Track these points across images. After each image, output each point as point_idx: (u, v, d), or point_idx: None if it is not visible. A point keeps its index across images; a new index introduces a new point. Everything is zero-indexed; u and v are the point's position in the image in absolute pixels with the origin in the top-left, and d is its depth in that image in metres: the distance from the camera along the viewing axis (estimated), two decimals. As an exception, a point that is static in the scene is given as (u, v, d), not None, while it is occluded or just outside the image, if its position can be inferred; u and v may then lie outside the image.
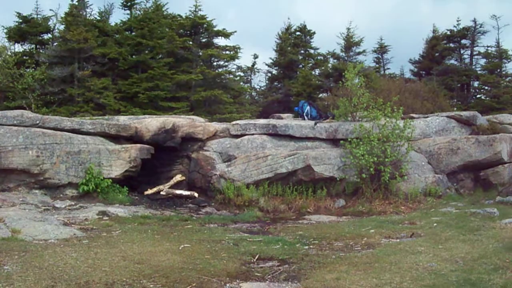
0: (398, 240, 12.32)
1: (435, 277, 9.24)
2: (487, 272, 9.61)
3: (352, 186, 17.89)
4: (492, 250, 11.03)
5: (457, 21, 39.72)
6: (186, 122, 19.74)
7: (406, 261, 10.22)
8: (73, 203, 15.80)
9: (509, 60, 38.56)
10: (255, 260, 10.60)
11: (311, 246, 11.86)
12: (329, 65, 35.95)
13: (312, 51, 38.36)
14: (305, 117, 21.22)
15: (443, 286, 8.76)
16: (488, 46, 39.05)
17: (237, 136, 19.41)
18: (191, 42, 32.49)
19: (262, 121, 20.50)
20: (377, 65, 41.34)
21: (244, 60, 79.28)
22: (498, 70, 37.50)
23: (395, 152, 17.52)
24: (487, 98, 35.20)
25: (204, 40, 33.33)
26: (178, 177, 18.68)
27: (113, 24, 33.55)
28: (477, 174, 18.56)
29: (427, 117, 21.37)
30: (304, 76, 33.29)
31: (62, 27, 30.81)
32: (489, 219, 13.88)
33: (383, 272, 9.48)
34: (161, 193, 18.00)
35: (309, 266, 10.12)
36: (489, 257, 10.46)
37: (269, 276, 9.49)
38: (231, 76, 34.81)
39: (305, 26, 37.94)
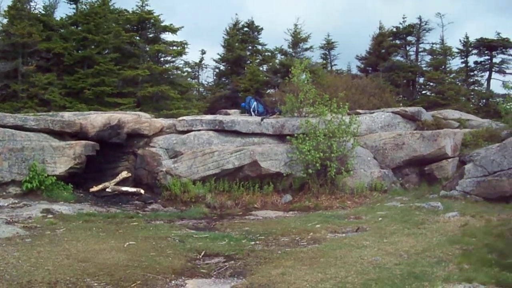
0: (343, 235, 12.45)
1: (379, 270, 9.35)
2: (430, 265, 9.76)
3: (298, 182, 17.95)
4: (435, 243, 11.21)
5: (403, 18, 40.30)
6: (132, 118, 19.51)
7: (351, 256, 10.32)
8: (16, 201, 15.40)
9: (453, 57, 39.38)
10: (201, 256, 10.59)
11: (258, 242, 11.88)
12: (277, 61, 36.02)
13: (259, 47, 38.32)
14: (252, 113, 21.20)
15: (388, 279, 8.86)
16: (433, 43, 39.86)
17: (183, 132, 19.29)
18: (138, 38, 32.10)
19: (208, 117, 20.43)
20: (324, 61, 41.59)
21: (192, 55, 78.86)
22: (443, 67, 38.18)
23: (341, 147, 17.66)
24: (432, 94, 35.82)
25: (151, 36, 32.98)
26: (124, 174, 18.47)
27: (58, 18, 32.82)
28: (422, 168, 18.80)
29: (373, 112, 21.60)
30: (251, 72, 33.27)
31: (5, 21, 30.02)
32: (433, 213, 14.10)
33: (328, 266, 9.56)
34: (107, 190, 17.74)
35: (255, 261, 10.14)
36: (432, 250, 10.64)
37: (215, 273, 9.48)
38: (179, 72, 34.57)
39: (253, 22, 37.89)
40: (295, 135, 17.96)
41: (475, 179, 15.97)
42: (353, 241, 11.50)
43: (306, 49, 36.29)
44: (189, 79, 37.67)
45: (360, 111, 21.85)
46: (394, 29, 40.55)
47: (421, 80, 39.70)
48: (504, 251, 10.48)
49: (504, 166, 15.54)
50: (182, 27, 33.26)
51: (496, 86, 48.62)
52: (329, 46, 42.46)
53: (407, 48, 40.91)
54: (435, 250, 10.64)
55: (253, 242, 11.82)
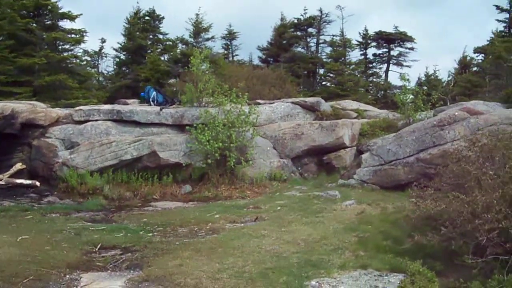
0: (242, 225, 12.47)
1: (277, 259, 9.41)
2: (327, 252, 9.87)
3: (198, 172, 17.75)
4: (332, 231, 11.35)
5: (304, 10, 40.70)
6: (26, 108, 18.74)
7: (250, 245, 10.34)
8: None
9: (352, 49, 40.17)
10: (97, 249, 10.35)
11: (155, 233, 11.74)
12: (178, 50, 35.60)
13: (161, 36, 37.78)
14: (152, 102, 20.87)
15: (285, 268, 8.92)
16: (333, 35, 40.49)
17: (80, 122, 18.72)
18: (34, 24, 30.81)
19: (106, 106, 19.91)
20: (226, 52, 41.48)
21: (92, 44, 76.94)
22: (342, 59, 38.86)
23: (240, 137, 17.57)
24: (332, 85, 36.35)
25: (48, 23, 31.75)
26: (19, 166, 17.71)
27: None
28: (321, 158, 19.02)
29: (273, 103, 21.65)
30: (152, 61, 32.71)
31: None
32: (331, 202, 14.31)
33: (226, 256, 9.56)
34: (0, 182, 16.98)
35: (152, 253, 10.02)
36: (329, 238, 10.77)
37: (111, 265, 9.31)
38: (77, 60, 33.51)
39: (154, 11, 37.27)
40: (195, 125, 17.73)
41: (372, 168, 16.30)
42: (251, 230, 11.51)
43: (208, 39, 36.03)
44: (88, 68, 36.61)
45: (261, 101, 21.85)
46: (296, 21, 40.92)
47: (322, 71, 40.34)
48: (399, 238, 10.74)
49: (400, 155, 15.94)
50: (81, 14, 32.21)
51: (394, 78, 50.06)
52: (230, 36, 42.35)
53: (308, 40, 41.46)
54: (332, 238, 10.79)
55: (151, 234, 11.66)
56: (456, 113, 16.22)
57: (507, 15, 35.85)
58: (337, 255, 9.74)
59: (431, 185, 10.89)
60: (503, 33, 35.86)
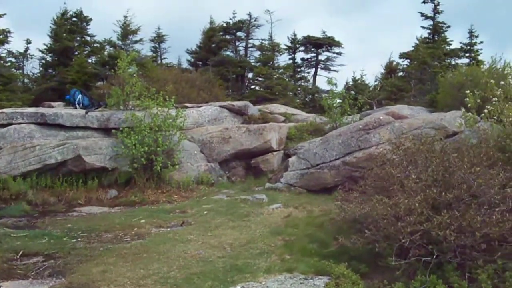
0: (168, 229, 12.36)
1: (202, 264, 9.37)
2: (253, 256, 9.87)
3: (124, 176, 17.45)
4: (259, 235, 11.36)
5: (233, 14, 40.71)
6: None
7: (175, 250, 10.26)
8: None
9: (281, 53, 40.42)
10: (18, 256, 10.07)
11: (80, 239, 11.48)
12: (106, 53, 35.04)
13: (88, 38, 37.07)
14: (77, 105, 20.38)
15: (210, 273, 8.89)
16: (262, 39, 40.64)
17: (3, 126, 18.08)
18: (-46, 24, 29.95)
19: (30, 109, 19.34)
20: (154, 55, 41.06)
21: (17, 45, 74.93)
22: (271, 63, 39.02)
23: (167, 141, 17.36)
24: (261, 89, 36.48)
25: (-31, 22, 30.92)
26: None
27: None
28: (249, 162, 19.02)
29: (201, 106, 21.58)
30: (79, 63, 32.05)
31: None
32: (258, 205, 14.32)
33: (151, 262, 9.46)
34: None
35: (75, 260, 9.80)
36: (255, 242, 10.77)
37: (33, 273, 9.08)
38: (1, 61, 32.63)
39: (81, 12, 36.55)
40: (121, 128, 17.42)
41: (299, 172, 16.41)
42: (177, 235, 11.42)
43: (136, 42, 35.64)
44: (13, 69, 35.62)
45: (188, 104, 21.73)
46: (225, 24, 40.91)
47: (250, 75, 40.41)
48: (324, 241, 10.82)
49: (326, 158, 16.10)
50: (5, 14, 31.38)
51: (322, 82, 50.70)
52: (159, 39, 41.94)
53: (237, 44, 41.54)
54: (258, 242, 10.80)
55: (74, 240, 11.41)
56: (381, 117, 16.51)
57: (431, 22, 36.80)
58: (263, 259, 9.75)
59: (356, 188, 11.03)
60: (427, 40, 36.78)
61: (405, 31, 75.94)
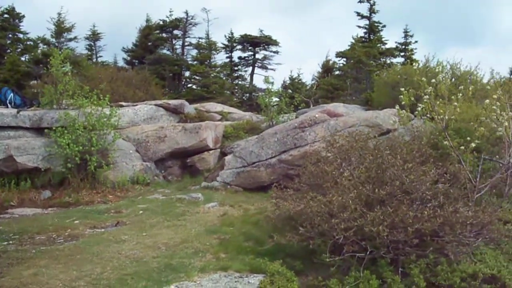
0: (103, 230, 12.19)
1: (137, 264, 9.30)
2: (188, 256, 9.85)
3: (58, 177, 17.06)
4: (194, 234, 11.34)
5: (170, 12, 40.29)
6: None
7: (109, 251, 10.15)
8: None
9: (218, 51, 40.26)
10: None
11: (11, 242, 11.19)
12: (39, 51, 34.25)
13: (21, 35, 36.19)
14: (9, 105, 19.86)
15: (144, 273, 8.84)
16: (199, 38, 40.37)
17: None
18: None
19: (-42, 109, 18.80)
20: (89, 53, 40.37)
21: None
22: (208, 61, 38.80)
23: (101, 140, 17.06)
24: (198, 88, 36.24)
25: None
26: None
27: None
28: (185, 161, 18.86)
29: (136, 105, 21.31)
30: (11, 61, 31.21)
31: None
32: (194, 204, 14.26)
33: (84, 263, 9.35)
34: None
35: (6, 263, 9.56)
36: (191, 242, 10.75)
37: (-40, 278, 8.75)
38: None
39: (14, 8, 35.63)
40: (54, 128, 17.04)
41: (235, 170, 16.39)
42: (111, 236, 11.29)
43: (71, 39, 35.04)
44: None
45: (124, 103, 21.43)
46: (161, 22, 40.49)
47: (187, 73, 40.13)
48: (260, 239, 10.86)
49: (262, 157, 16.12)
50: None
51: (259, 80, 50.91)
52: (94, 37, 41.19)
53: (174, 42, 41.13)
54: (194, 241, 10.78)
55: (6, 242, 11.11)
56: (317, 115, 16.63)
57: (368, 22, 37.30)
58: (198, 258, 9.74)
59: (291, 186, 11.07)
60: (363, 39, 37.25)
61: (344, 31, 77.04)
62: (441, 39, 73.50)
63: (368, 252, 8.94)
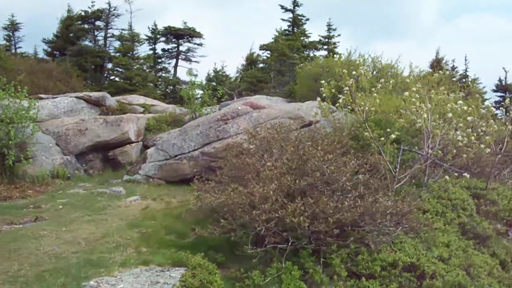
0: (21, 226, 11.79)
1: (56, 260, 9.10)
2: (108, 251, 9.69)
3: (-27, 172, 16.49)
4: (115, 228, 11.17)
5: (92, 2, 39.49)
6: None
7: (27, 247, 9.88)
8: None
9: (141, 43, 39.77)
10: None
11: None
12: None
13: None
14: None
15: (63, 269, 8.65)
16: (122, 29, 39.77)
17: None
18: None
19: None
20: (7, 43, 39.17)
21: None
22: (131, 53, 38.32)
23: (20, 134, 16.52)
24: (121, 80, 35.73)
25: None
26: None
27: None
28: (107, 154, 18.51)
29: (56, 97, 20.74)
30: None
31: None
32: (115, 198, 14.04)
33: (1, 261, 9.09)
34: None
35: None
36: (112, 236, 10.59)
37: None
38: None
39: None
40: (-33, 121, 16.41)
41: (158, 163, 16.19)
42: (30, 231, 10.95)
43: (-14, 30, 33.96)
44: None
45: (43, 96, 20.83)
46: (83, 13, 39.67)
47: (110, 65, 39.46)
48: (182, 232, 10.81)
49: (185, 149, 15.98)
50: None
51: (183, 73, 50.46)
52: (13, 27, 40.02)
53: (96, 33, 40.37)
54: (115, 236, 10.60)
55: None
56: (240, 107, 16.60)
57: (291, 15, 37.59)
58: (119, 253, 9.58)
59: (213, 178, 11.01)
60: (287, 32, 37.54)
61: (270, 24, 77.47)
62: (367, 33, 74.98)
63: (289, 243, 9.00)
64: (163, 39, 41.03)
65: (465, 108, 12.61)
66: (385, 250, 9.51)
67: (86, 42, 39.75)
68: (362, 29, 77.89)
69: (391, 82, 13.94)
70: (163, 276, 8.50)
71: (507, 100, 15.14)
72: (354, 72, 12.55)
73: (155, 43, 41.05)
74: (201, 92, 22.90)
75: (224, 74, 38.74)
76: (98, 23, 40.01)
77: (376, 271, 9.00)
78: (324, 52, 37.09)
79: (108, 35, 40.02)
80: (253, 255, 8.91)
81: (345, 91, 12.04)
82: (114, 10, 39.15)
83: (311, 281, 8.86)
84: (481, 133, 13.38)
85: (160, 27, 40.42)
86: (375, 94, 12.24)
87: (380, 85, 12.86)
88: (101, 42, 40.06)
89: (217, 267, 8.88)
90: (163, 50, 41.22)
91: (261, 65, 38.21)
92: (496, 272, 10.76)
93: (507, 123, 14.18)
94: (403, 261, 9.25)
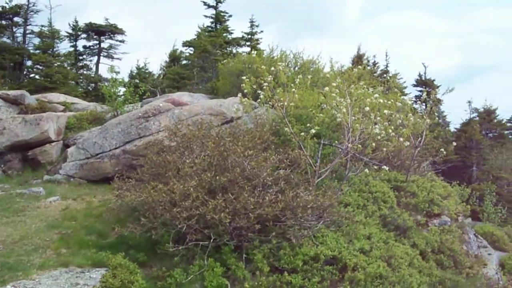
0: None
1: (-30, 265, 8.71)
2: (27, 253, 9.47)
3: None
4: (34, 230, 10.91)
5: (10, -3, 38.35)
6: None
7: None
8: None
9: (61, 40, 38.88)
10: None
11: None
12: None
13: None
14: None
15: (-28, 275, 8.30)
16: (41, 26, 38.78)
17: None
18: None
19: None
20: None
21: None
22: (51, 50, 37.38)
23: None
24: (41, 78, 34.83)
25: None
26: None
27: None
28: (26, 154, 18.00)
29: (-29, 96, 20.11)
30: None
31: None
32: (34, 199, 13.65)
33: None
34: None
35: None
36: (30, 238, 10.34)
37: None
38: None
39: None
40: None
41: (78, 162, 15.86)
42: None
43: None
44: None
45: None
46: (0, 9, 38.50)
47: (29, 63, 38.42)
48: (103, 232, 10.66)
49: (106, 148, 15.71)
50: None
51: (105, 70, 49.82)
52: None
53: (14, 30, 39.22)
54: (33, 237, 10.36)
55: None
56: (161, 105, 16.43)
57: (214, 11, 37.51)
58: (38, 255, 9.37)
59: (134, 176, 10.87)
60: (209, 28, 37.44)
61: (194, 20, 77.12)
62: (294, 30, 75.81)
63: (212, 240, 8.98)
64: (84, 36, 40.19)
65: (381, 101, 12.86)
66: (307, 244, 9.61)
67: (4, 39, 38.53)
68: (289, 26, 78.82)
69: (309, 77, 14.07)
70: (83, 278, 8.37)
71: (424, 94, 15.57)
72: (273, 68, 12.58)
73: (76, 40, 40.13)
74: (123, 89, 22.59)
75: (147, 71, 38.29)
76: (16, 19, 38.80)
77: (298, 265, 9.09)
78: (247, 49, 37.14)
79: (27, 31, 38.94)
80: (175, 253, 8.87)
81: (264, 87, 12.09)
82: (33, 6, 38.13)
83: (234, 278, 8.88)
84: (400, 127, 13.69)
85: (81, 23, 39.63)
86: (293, 90, 12.32)
87: (298, 80, 12.96)
88: (20, 39, 38.95)
89: (139, 267, 8.81)
90: (84, 47, 40.35)
91: (184, 61, 37.93)
92: (416, 262, 11.07)
93: (424, 116, 14.53)
94: (325, 255, 9.38)
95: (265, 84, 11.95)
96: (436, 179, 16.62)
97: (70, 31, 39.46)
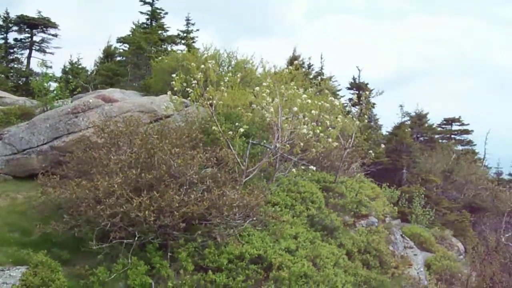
0: None
1: None
2: None
3: None
4: None
5: None
6: None
7: None
8: None
9: None
10: None
11: None
12: None
13: None
14: None
15: None
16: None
17: None
18: None
19: None
20: None
21: None
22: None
23: None
24: None
25: None
26: None
27: None
28: None
29: None
30: None
31: None
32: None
33: None
34: None
35: None
36: None
37: None
38: None
39: None
40: None
41: (5, 158, 15.48)
42: None
43: None
44: None
45: None
46: None
47: None
48: (27, 229, 10.45)
49: (33, 143, 15.39)
50: None
51: (37, 64, 48.88)
52: None
53: None
54: None
55: None
56: (91, 101, 16.19)
57: (150, 8, 37.25)
58: None
59: (60, 173, 10.71)
60: (145, 25, 37.15)
61: (130, 17, 76.46)
62: (236, 30, 75.97)
63: (136, 238, 8.92)
64: (15, 28, 39.29)
65: (310, 102, 13.03)
66: (233, 243, 9.66)
67: None
68: (231, 27, 78.98)
69: (239, 75, 14.14)
70: (2, 276, 8.19)
71: (354, 97, 15.86)
72: (202, 66, 12.58)
73: (6, 32, 39.19)
74: (54, 84, 22.19)
75: (80, 66, 37.67)
76: None
77: (223, 264, 9.13)
78: (183, 47, 36.96)
79: None
80: (98, 251, 8.78)
81: (193, 85, 12.08)
82: None
83: (158, 276, 8.86)
84: (329, 128, 13.89)
85: (13, 15, 38.70)
86: (223, 88, 12.36)
87: (227, 78, 13.02)
88: None
89: (62, 265, 8.68)
90: (15, 40, 39.43)
91: (118, 58, 37.53)
92: (342, 262, 11.26)
93: (354, 118, 14.78)
94: (250, 254, 9.45)
95: (194, 81, 11.95)
96: (365, 181, 16.95)
97: (1, 23, 38.38)
